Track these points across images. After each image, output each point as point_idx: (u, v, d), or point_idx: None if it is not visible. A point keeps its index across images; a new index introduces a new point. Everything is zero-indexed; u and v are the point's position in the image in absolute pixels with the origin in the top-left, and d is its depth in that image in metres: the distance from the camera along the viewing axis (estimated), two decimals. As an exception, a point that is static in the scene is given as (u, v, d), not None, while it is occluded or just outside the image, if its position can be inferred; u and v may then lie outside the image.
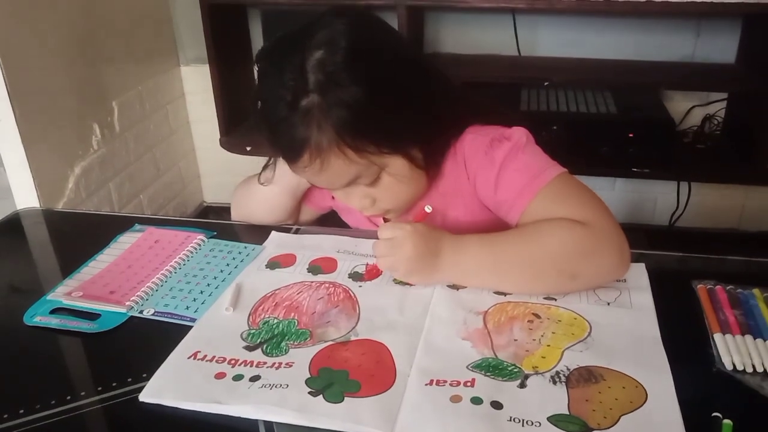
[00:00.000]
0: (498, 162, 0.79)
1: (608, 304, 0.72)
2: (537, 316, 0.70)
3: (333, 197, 0.94)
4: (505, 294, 0.74)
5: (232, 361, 0.64)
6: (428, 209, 0.78)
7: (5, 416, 0.59)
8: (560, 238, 0.72)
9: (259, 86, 0.78)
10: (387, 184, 0.79)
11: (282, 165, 0.89)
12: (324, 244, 0.86)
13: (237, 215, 0.97)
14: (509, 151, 0.79)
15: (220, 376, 0.62)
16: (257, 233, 0.89)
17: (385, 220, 0.89)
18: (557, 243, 0.72)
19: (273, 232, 0.89)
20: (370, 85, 0.72)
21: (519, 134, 0.81)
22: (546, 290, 0.73)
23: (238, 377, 0.62)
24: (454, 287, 0.75)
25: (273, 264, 0.82)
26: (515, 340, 0.66)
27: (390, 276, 0.78)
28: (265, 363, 0.64)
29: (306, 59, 0.72)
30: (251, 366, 0.63)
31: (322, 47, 0.72)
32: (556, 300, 0.73)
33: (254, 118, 0.79)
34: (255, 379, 0.61)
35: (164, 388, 0.61)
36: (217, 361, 0.64)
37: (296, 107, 0.72)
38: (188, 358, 0.65)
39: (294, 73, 0.72)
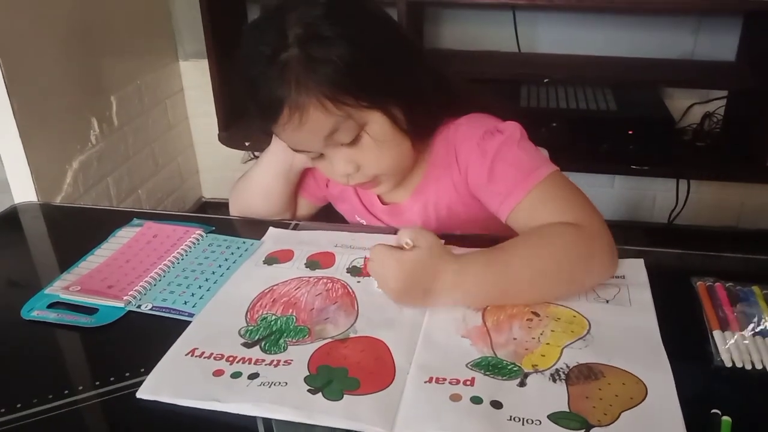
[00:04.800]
0: (491, 154, 0.80)
1: (607, 301, 0.72)
2: (536, 314, 0.70)
3: (327, 185, 0.95)
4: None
5: (230, 358, 0.64)
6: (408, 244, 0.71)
7: (2, 410, 0.59)
8: (564, 245, 0.71)
9: (240, 49, 0.79)
10: (368, 145, 0.78)
11: (273, 148, 0.90)
12: (322, 239, 0.86)
13: (234, 210, 0.98)
14: (502, 143, 0.80)
15: (218, 373, 0.62)
16: (256, 228, 0.89)
17: (382, 203, 0.88)
18: (562, 251, 0.71)
19: (271, 228, 0.89)
20: (348, 39, 0.73)
21: (513, 128, 0.81)
22: (547, 299, 0.72)
23: (236, 374, 0.62)
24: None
25: (271, 260, 0.81)
26: (514, 338, 0.66)
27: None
28: (263, 360, 0.63)
29: (286, 17, 0.74)
30: (250, 363, 0.63)
31: (301, 5, 0.74)
32: None
33: (235, 82, 0.80)
34: (254, 376, 0.61)
35: (162, 386, 0.61)
36: (215, 358, 0.64)
37: (275, 61, 0.73)
38: (186, 355, 0.65)
39: (274, 30, 0.74)
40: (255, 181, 0.94)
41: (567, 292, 0.72)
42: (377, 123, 0.77)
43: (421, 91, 0.81)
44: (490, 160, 0.79)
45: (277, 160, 0.90)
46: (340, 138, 0.77)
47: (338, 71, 0.73)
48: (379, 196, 0.92)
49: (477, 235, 0.88)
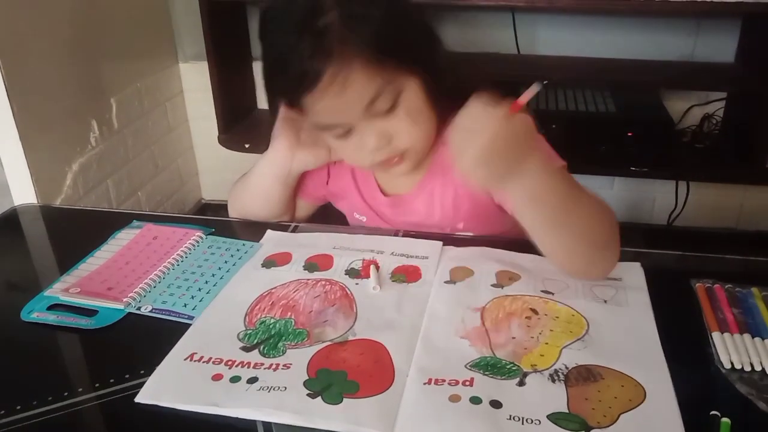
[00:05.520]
0: None
1: (605, 301, 0.72)
2: (535, 311, 0.70)
3: (328, 182, 0.94)
4: (502, 286, 0.74)
5: (229, 363, 0.64)
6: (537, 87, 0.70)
7: (2, 412, 0.59)
8: (610, 214, 0.74)
9: (264, 24, 0.77)
10: (402, 116, 0.77)
11: (271, 153, 0.89)
12: (320, 241, 0.86)
13: (233, 211, 0.97)
14: None
15: (217, 377, 0.62)
16: (256, 230, 0.89)
17: (384, 195, 0.88)
18: (608, 217, 0.73)
19: (268, 231, 0.88)
20: (388, 1, 0.74)
21: (527, 117, 0.81)
22: (580, 253, 0.73)
23: (235, 379, 0.61)
24: (452, 282, 0.75)
25: (269, 263, 0.81)
26: (513, 337, 0.66)
27: (387, 274, 0.78)
28: (262, 364, 0.63)
29: None
30: (248, 367, 0.63)
31: None
32: (553, 294, 0.73)
33: (262, 65, 0.80)
34: (253, 380, 0.61)
35: (161, 391, 0.60)
36: (214, 363, 0.64)
37: (313, 27, 0.71)
38: (185, 359, 0.64)
39: None
40: (253, 184, 0.94)
41: (593, 253, 0.73)
42: (413, 91, 0.77)
43: (449, 65, 0.81)
44: None
45: (276, 164, 0.90)
46: (380, 105, 0.76)
47: (381, 29, 0.72)
48: (381, 189, 0.92)
49: (477, 236, 0.88)
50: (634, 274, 0.77)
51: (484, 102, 0.68)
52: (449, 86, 0.80)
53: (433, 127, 0.82)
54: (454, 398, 0.58)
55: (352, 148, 0.81)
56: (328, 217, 1.02)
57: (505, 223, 0.82)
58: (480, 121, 0.67)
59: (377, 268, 0.78)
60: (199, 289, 0.76)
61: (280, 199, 0.93)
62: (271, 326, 0.69)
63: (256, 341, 0.67)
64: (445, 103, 0.80)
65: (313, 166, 0.89)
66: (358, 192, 0.95)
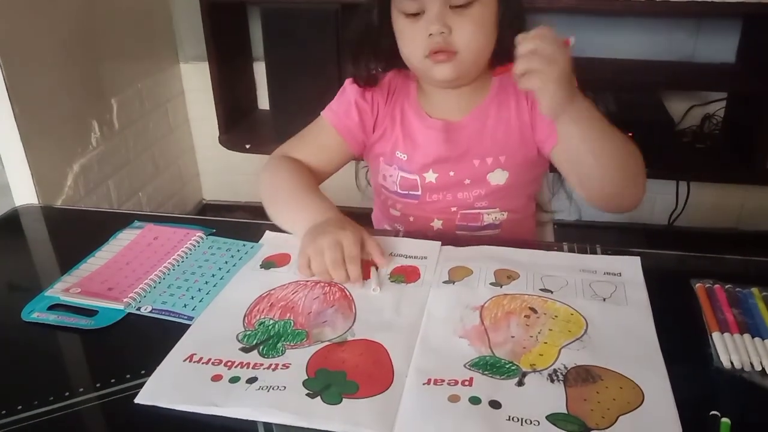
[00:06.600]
0: None
1: (604, 300, 0.72)
2: (533, 310, 0.70)
3: (374, 129, 0.97)
4: (501, 285, 0.74)
5: (228, 363, 0.64)
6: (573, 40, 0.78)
7: (3, 412, 0.59)
8: (631, 148, 0.83)
9: None
10: (470, 18, 0.84)
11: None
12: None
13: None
14: None
15: (216, 378, 0.62)
16: (257, 230, 0.89)
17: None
18: (630, 149, 0.83)
19: (267, 232, 0.88)
20: None
21: None
22: (615, 184, 0.82)
23: (234, 379, 0.62)
24: (450, 281, 0.76)
25: (268, 264, 0.81)
26: (512, 336, 0.66)
27: (386, 274, 0.78)
28: (261, 364, 0.63)
29: None
30: (248, 368, 0.63)
31: None
32: (552, 292, 0.73)
33: None
34: (252, 381, 0.61)
35: (160, 392, 0.61)
36: (213, 364, 0.64)
37: None
38: (184, 360, 0.65)
39: None
40: (280, 218, 0.90)
41: (625, 181, 0.83)
42: (489, 3, 0.85)
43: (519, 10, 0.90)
44: None
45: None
46: None
47: None
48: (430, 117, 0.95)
49: (476, 236, 0.88)
50: (633, 269, 0.77)
51: (551, 33, 0.75)
52: (514, 14, 0.88)
53: (489, 46, 0.88)
54: (454, 398, 0.58)
55: (416, 32, 0.86)
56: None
57: (535, 170, 0.97)
58: (556, 49, 0.74)
59: (377, 269, 0.78)
60: (199, 290, 0.76)
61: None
62: (270, 327, 0.69)
63: (255, 342, 0.67)
64: (504, 33, 0.87)
65: (402, 27, 0.91)
66: (402, 129, 0.96)
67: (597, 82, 1.97)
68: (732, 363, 0.62)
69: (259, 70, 2.11)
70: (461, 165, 0.94)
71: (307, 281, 0.77)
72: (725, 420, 0.55)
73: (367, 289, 0.75)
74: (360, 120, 0.96)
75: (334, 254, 0.75)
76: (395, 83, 0.98)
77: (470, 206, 0.95)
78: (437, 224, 0.96)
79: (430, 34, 0.84)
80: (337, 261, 0.75)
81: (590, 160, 0.81)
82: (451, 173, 0.94)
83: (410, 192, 0.97)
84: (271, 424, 0.57)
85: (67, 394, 0.61)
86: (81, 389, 0.62)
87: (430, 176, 0.95)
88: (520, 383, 0.60)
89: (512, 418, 0.56)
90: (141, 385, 0.61)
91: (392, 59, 0.93)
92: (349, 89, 0.97)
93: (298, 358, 0.64)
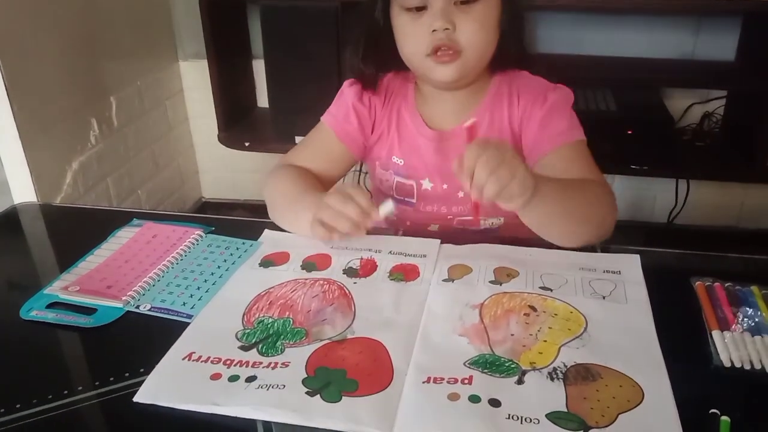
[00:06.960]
0: (550, 102, 0.90)
1: (603, 297, 0.72)
2: (533, 308, 0.70)
3: (372, 131, 0.97)
4: (500, 283, 0.74)
5: (228, 362, 0.64)
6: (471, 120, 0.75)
7: (2, 411, 0.59)
8: (598, 193, 0.83)
9: None
10: (473, 16, 0.84)
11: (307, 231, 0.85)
12: (318, 241, 0.85)
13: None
14: (560, 97, 0.91)
15: (215, 377, 0.62)
16: (257, 229, 0.89)
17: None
18: (597, 198, 0.82)
19: (266, 230, 0.88)
20: None
21: (568, 90, 0.93)
22: (581, 238, 0.81)
23: (233, 378, 0.61)
24: (450, 279, 0.76)
25: (266, 262, 0.81)
26: (512, 335, 0.66)
27: (385, 272, 0.78)
28: (261, 363, 0.63)
29: None
30: (247, 366, 0.63)
31: None
32: (551, 290, 0.73)
33: None
34: (251, 379, 0.61)
35: (159, 390, 0.60)
36: (212, 362, 0.64)
37: None
38: (183, 359, 0.64)
39: None
40: (286, 222, 0.90)
41: (591, 235, 0.81)
42: (493, 3, 0.85)
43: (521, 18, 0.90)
44: (548, 107, 0.90)
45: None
46: None
47: None
48: (426, 123, 0.95)
49: (476, 232, 0.88)
50: (632, 267, 0.77)
51: (487, 145, 0.70)
52: (514, 16, 0.89)
53: (491, 47, 0.88)
54: (453, 397, 0.58)
55: (419, 28, 0.85)
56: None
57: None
58: (515, 156, 0.71)
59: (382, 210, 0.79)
60: (198, 288, 0.76)
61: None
62: (269, 326, 0.69)
63: (254, 340, 0.67)
64: (504, 35, 0.89)
65: (404, 24, 0.90)
66: (398, 134, 0.96)
67: (597, 80, 1.98)
68: (732, 361, 0.62)
69: (259, 68, 2.11)
70: (454, 178, 0.92)
71: (306, 279, 0.77)
72: (725, 418, 0.55)
73: (366, 286, 0.75)
74: (359, 124, 0.96)
75: (338, 197, 0.78)
76: (393, 85, 0.97)
77: (466, 215, 0.95)
78: (434, 228, 0.96)
79: (434, 30, 0.83)
80: (345, 198, 0.77)
81: (552, 230, 0.81)
82: (445, 186, 0.94)
83: (406, 198, 0.97)
84: (270, 422, 0.57)
85: (66, 392, 0.61)
86: (80, 388, 0.62)
87: (427, 184, 0.95)
88: (520, 381, 0.60)
89: (512, 417, 0.55)
90: (140, 384, 0.61)
91: (391, 60, 0.92)
92: (347, 92, 0.97)
93: (298, 356, 0.64)
